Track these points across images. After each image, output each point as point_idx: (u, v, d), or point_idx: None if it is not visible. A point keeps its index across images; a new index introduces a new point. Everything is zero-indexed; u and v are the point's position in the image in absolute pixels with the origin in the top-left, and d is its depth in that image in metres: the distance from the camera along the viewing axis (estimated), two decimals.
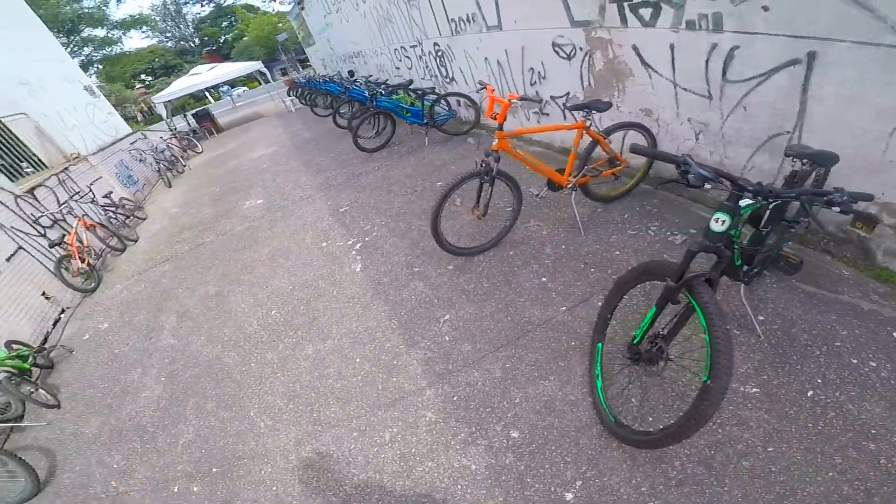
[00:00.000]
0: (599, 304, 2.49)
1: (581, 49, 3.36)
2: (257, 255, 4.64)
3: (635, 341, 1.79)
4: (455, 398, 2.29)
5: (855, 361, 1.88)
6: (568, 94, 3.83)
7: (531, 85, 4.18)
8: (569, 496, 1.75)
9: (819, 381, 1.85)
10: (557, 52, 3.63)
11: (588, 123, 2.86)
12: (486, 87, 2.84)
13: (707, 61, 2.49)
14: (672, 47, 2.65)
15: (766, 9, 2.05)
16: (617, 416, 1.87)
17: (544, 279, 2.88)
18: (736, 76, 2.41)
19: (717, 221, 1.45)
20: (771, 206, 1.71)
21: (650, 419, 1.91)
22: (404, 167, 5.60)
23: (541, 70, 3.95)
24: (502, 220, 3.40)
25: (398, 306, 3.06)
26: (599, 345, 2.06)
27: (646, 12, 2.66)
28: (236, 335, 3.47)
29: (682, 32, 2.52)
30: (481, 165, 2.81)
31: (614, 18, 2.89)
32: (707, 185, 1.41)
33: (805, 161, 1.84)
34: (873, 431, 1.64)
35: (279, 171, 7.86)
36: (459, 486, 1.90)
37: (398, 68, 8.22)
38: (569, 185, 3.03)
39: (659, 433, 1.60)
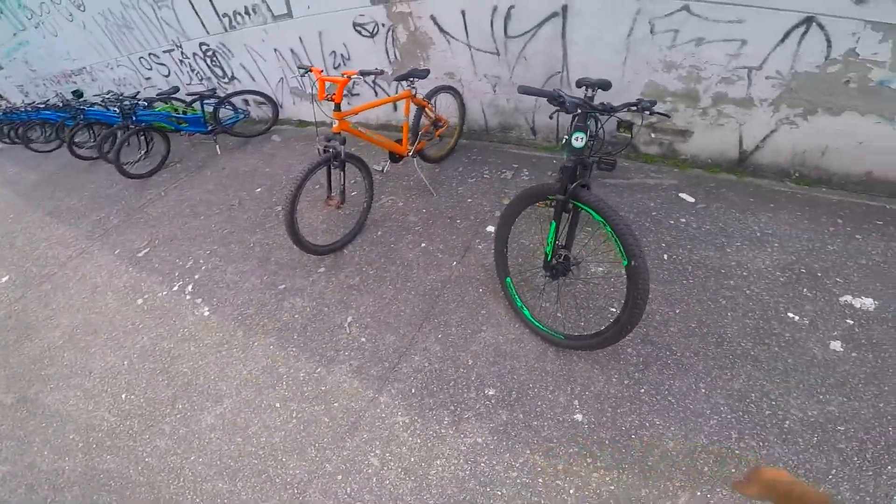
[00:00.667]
0: (482, 247, 2.81)
1: (383, 25, 3.53)
2: (48, 342, 3.36)
3: (549, 259, 1.99)
4: (413, 390, 2.16)
5: (672, 221, 2.68)
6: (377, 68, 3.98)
7: (335, 68, 4.15)
8: (578, 416, 1.88)
9: (664, 244, 2.56)
10: (360, 32, 3.71)
11: (414, 92, 3.07)
12: (311, 70, 2.71)
13: (492, 22, 3.00)
14: (463, 13, 3.07)
15: None
16: (562, 331, 2.05)
17: (424, 244, 2.94)
18: (515, 32, 2.98)
19: (577, 140, 1.75)
20: (605, 121, 2.08)
21: (593, 321, 2.16)
22: (202, 183, 4.82)
23: (344, 52, 3.97)
24: (355, 206, 3.34)
25: (285, 331, 2.69)
26: (508, 279, 2.25)
27: None
28: (94, 435, 2.52)
29: None
30: (325, 152, 2.65)
31: None
32: (578, 110, 1.75)
33: (592, 88, 2.42)
34: (723, 271, 2.37)
35: (13, 230, 5.69)
36: (483, 463, 1.83)
37: (149, 78, 6.86)
38: (410, 154, 3.22)
39: (612, 327, 1.78)
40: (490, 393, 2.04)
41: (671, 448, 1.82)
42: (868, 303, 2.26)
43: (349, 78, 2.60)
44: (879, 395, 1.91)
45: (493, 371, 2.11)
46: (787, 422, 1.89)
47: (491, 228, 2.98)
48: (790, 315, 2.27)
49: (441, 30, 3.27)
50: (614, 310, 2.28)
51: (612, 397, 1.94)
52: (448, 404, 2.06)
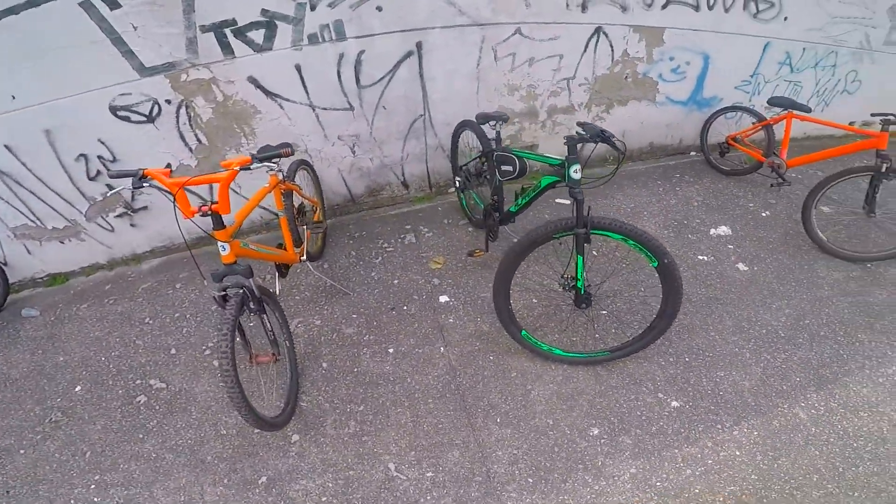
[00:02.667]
0: (453, 320, 2.41)
1: (168, 102, 2.60)
2: None
3: (581, 290, 1.93)
4: (530, 480, 1.77)
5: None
6: (169, 165, 2.89)
7: (91, 180, 2.79)
8: (674, 403, 1.93)
9: None
10: (127, 118, 2.62)
11: (281, 177, 2.27)
12: (147, 174, 1.60)
13: (339, 73, 2.68)
14: (299, 69, 2.62)
15: (380, 9, 2.48)
16: (606, 350, 2.09)
17: (390, 349, 2.31)
18: (369, 80, 2.76)
19: (575, 171, 1.77)
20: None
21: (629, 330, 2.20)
22: None
23: (105, 152, 2.71)
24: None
25: None
26: (523, 332, 2.08)
27: (257, 35, 2.45)
28: None
29: (307, 49, 2.55)
30: (226, 298, 1.67)
31: (212, 51, 2.45)
32: (598, 139, 1.70)
33: (498, 122, 2.41)
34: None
35: None
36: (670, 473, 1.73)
37: None
38: (302, 258, 2.38)
39: (658, 320, 1.92)
40: (596, 433, 1.89)
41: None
42: (724, 229, 3.00)
43: (236, 170, 1.67)
44: (787, 286, 2.54)
45: (575, 415, 1.96)
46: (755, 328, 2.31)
47: (444, 298, 2.57)
48: (699, 257, 2.76)
49: (268, 93, 2.68)
50: (636, 313, 2.36)
51: (671, 377, 2.08)
52: (572, 465, 1.80)
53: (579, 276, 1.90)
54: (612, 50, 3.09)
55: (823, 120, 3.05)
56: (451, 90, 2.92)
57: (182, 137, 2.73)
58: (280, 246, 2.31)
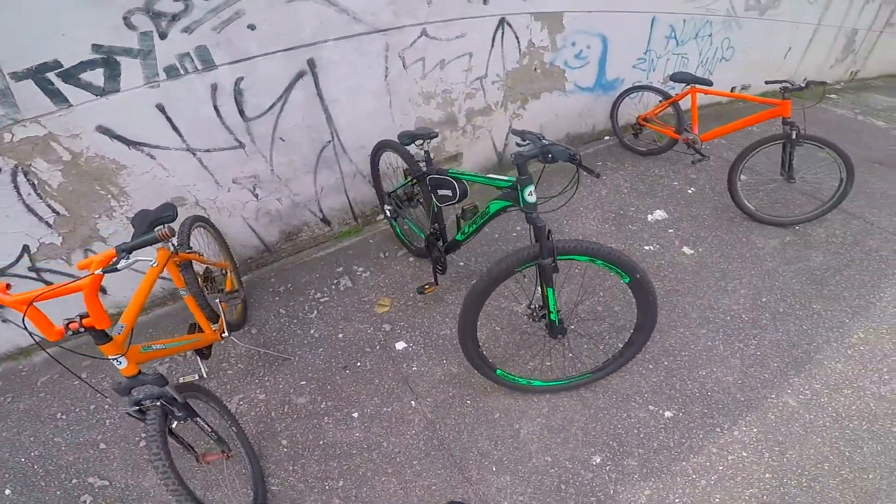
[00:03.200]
0: (416, 368, 2.13)
1: None
2: None
3: (556, 321, 1.75)
4: None
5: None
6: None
7: None
8: (667, 413, 1.80)
9: None
10: None
11: (172, 249, 1.76)
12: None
13: (216, 107, 2.19)
14: (162, 108, 2.08)
15: (252, 27, 2.03)
16: (587, 372, 1.96)
17: (355, 413, 2.00)
18: (256, 111, 2.29)
19: (530, 194, 1.57)
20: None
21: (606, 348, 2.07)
22: None
23: None
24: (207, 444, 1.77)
25: None
26: (498, 371, 1.91)
27: (94, 76, 1.87)
28: None
29: (167, 85, 2.02)
30: (144, 411, 1.34)
31: (38, 102, 1.83)
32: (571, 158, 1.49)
33: (425, 139, 2.09)
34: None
35: None
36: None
37: None
38: (224, 335, 1.91)
39: (637, 334, 1.79)
40: (598, 461, 1.77)
41: None
42: (660, 213, 3.03)
43: (99, 275, 1.19)
44: (733, 264, 2.62)
45: (572, 446, 1.82)
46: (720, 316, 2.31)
47: (401, 345, 2.25)
48: (645, 247, 2.73)
49: (130, 142, 2.10)
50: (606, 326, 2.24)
51: (656, 386, 2.00)
52: (584, 500, 1.66)
53: (551, 308, 1.68)
54: (518, 41, 2.93)
55: (723, 91, 3.18)
56: (360, 109, 2.56)
57: (32, 211, 2.07)
58: (193, 328, 1.84)
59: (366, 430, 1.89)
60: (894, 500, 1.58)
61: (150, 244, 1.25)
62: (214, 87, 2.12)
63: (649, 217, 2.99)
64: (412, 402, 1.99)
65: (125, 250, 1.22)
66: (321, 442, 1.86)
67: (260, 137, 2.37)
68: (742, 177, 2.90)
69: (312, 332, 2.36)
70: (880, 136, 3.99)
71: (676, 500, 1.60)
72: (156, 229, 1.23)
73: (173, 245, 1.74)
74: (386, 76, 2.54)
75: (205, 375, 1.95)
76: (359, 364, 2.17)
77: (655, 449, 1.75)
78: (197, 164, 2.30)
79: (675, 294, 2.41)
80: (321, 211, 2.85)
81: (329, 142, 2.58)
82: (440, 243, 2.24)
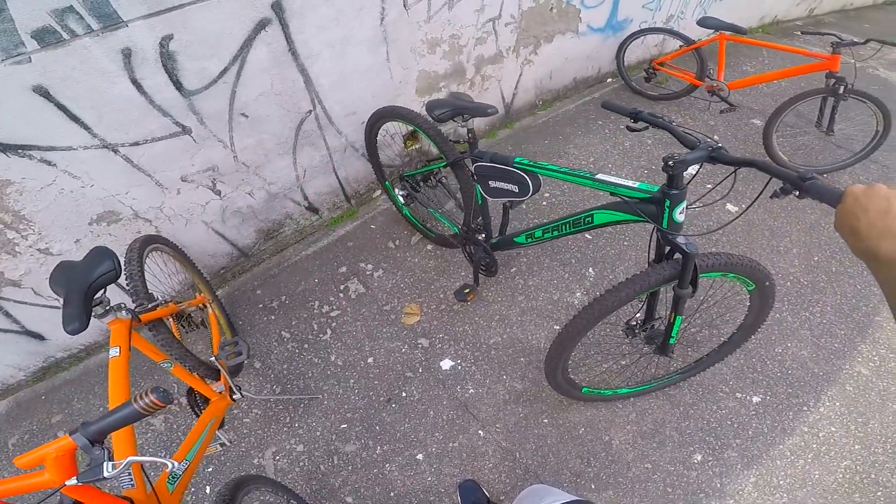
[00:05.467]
0: (475, 398, 1.77)
1: None
2: None
3: (672, 342, 1.41)
4: None
5: None
6: None
7: None
8: (755, 399, 1.78)
9: None
10: None
11: (129, 314, 1.15)
12: None
13: (136, 80, 1.45)
14: (45, 91, 1.33)
15: None
16: (676, 372, 1.73)
17: (419, 456, 1.65)
18: (201, 80, 1.58)
19: (682, 212, 1.16)
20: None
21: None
22: None
23: None
24: None
25: None
26: (584, 389, 1.64)
27: None
28: None
29: (42, 57, 1.27)
30: None
31: None
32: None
33: (463, 118, 1.49)
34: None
35: None
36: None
37: None
38: (237, 394, 1.45)
39: (736, 336, 1.55)
40: (699, 458, 1.65)
41: None
42: (693, 168, 2.69)
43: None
44: (778, 220, 2.44)
45: (670, 448, 1.66)
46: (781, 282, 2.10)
47: (447, 363, 1.87)
48: (689, 209, 2.44)
49: (7, 147, 1.35)
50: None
51: (738, 372, 1.85)
52: (694, 499, 1.56)
53: (673, 334, 1.34)
54: None
55: (760, 41, 2.82)
56: (348, 65, 1.90)
57: None
58: (192, 396, 1.35)
59: (437, 473, 1.59)
60: None
61: (130, 422, 0.67)
62: (128, 54, 1.38)
63: (684, 173, 2.69)
64: (480, 432, 1.67)
65: (91, 440, 0.65)
66: (392, 494, 1.55)
67: (211, 116, 1.68)
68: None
69: (334, 358, 1.89)
70: (871, 80, 3.89)
71: (781, 483, 1.57)
72: (135, 404, 0.66)
73: (128, 310, 1.14)
74: (382, 20, 1.87)
75: (228, 444, 1.45)
76: (404, 394, 1.78)
77: (751, 437, 1.68)
78: (123, 163, 1.59)
79: None
80: (306, 198, 2.23)
81: (309, 112, 1.93)
82: (484, 238, 1.77)
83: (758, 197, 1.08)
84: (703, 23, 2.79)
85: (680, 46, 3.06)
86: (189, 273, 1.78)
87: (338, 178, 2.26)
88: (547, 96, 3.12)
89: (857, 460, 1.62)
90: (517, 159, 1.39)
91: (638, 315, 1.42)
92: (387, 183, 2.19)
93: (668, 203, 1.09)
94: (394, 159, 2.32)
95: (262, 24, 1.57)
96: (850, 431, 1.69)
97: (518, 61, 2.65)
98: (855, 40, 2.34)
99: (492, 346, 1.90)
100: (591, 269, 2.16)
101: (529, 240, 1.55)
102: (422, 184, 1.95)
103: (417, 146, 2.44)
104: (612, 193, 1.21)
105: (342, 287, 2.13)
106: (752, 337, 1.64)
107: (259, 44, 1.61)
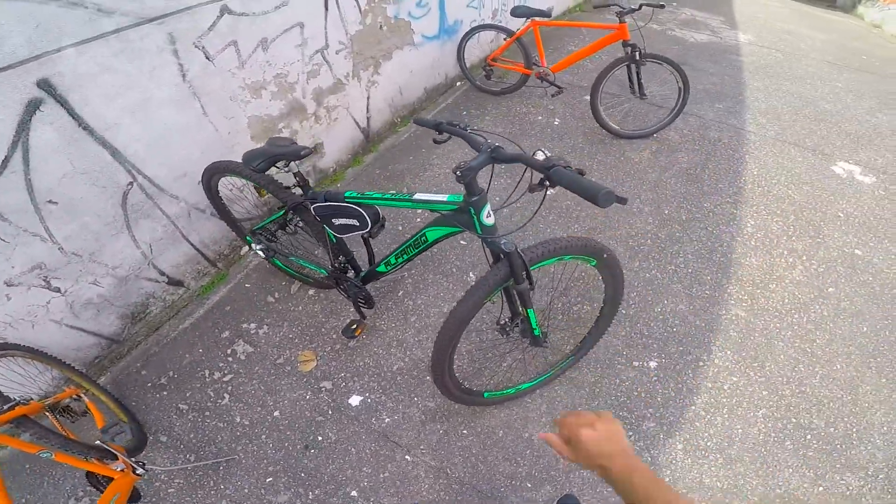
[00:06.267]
0: (392, 426, 1.76)
1: None
2: None
3: (538, 334, 1.49)
4: None
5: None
6: None
7: None
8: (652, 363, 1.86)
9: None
10: None
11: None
12: None
13: None
14: None
15: None
16: (568, 356, 1.78)
17: (353, 493, 1.60)
18: None
19: (489, 216, 1.20)
20: None
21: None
22: None
23: None
24: None
25: None
26: (486, 393, 1.69)
27: None
28: None
29: None
30: None
31: None
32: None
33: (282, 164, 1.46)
34: None
35: None
36: None
37: None
38: (138, 472, 1.36)
39: (605, 309, 1.60)
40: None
41: None
42: (540, 154, 2.90)
43: None
44: (625, 184, 2.81)
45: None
46: (639, 241, 2.22)
47: (355, 399, 1.83)
48: (548, 192, 2.61)
49: None
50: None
51: (628, 340, 1.96)
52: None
53: (534, 325, 1.42)
54: None
55: (565, 21, 3.13)
56: (158, 127, 1.76)
57: None
58: (94, 479, 1.34)
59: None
60: (871, 385, 1.80)
61: None
62: None
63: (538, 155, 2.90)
64: (406, 457, 1.66)
65: None
66: None
67: (13, 211, 1.46)
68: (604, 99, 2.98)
69: (239, 419, 1.77)
70: (662, 38, 4.54)
71: (708, 444, 1.63)
72: None
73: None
74: (184, 76, 1.75)
75: None
76: (320, 438, 1.71)
77: (662, 403, 1.74)
78: None
79: (595, 233, 2.41)
80: (163, 273, 2.02)
81: (130, 183, 1.75)
82: (352, 275, 1.75)
83: (543, 200, 1.15)
84: (515, 12, 3.00)
85: (504, 39, 3.29)
86: (56, 369, 1.58)
87: (192, 244, 2.09)
88: (403, 112, 3.18)
89: (772, 406, 1.69)
90: (347, 193, 1.39)
91: (503, 314, 1.48)
92: (248, 238, 2.07)
93: (472, 210, 1.13)
94: (251, 211, 2.20)
95: (33, 105, 1.39)
96: (751, 378, 1.76)
97: (362, 85, 2.67)
98: (633, 7, 2.60)
99: (396, 372, 1.88)
100: (471, 274, 2.23)
101: (388, 267, 1.56)
102: (279, 233, 1.87)
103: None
104: (431, 211, 1.24)
105: (229, 351, 1.98)
106: (624, 305, 1.78)
107: (38, 125, 1.42)
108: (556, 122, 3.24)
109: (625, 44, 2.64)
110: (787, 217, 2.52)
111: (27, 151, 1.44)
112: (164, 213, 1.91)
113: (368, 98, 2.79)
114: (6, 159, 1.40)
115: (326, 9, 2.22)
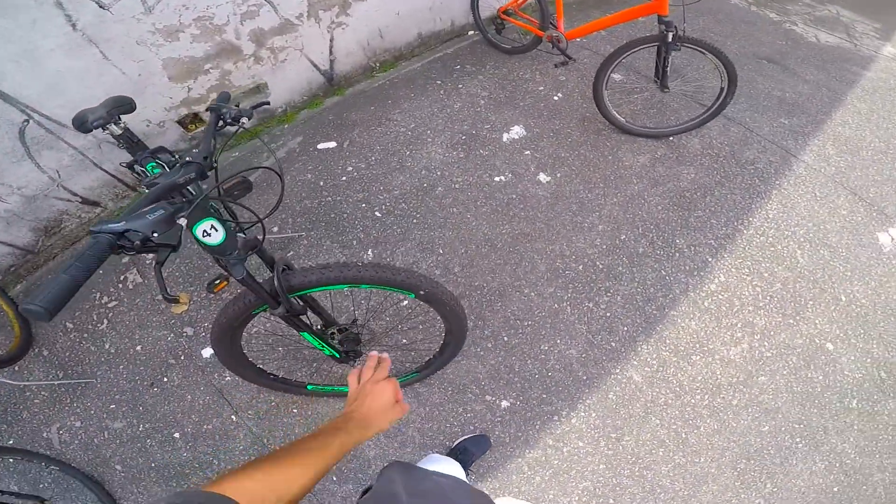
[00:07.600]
0: (230, 385, 1.78)
1: None
2: None
3: (338, 355, 1.39)
4: None
5: (341, 174, 2.08)
6: None
7: None
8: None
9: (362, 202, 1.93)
10: None
11: None
12: None
13: None
14: None
15: None
16: (413, 371, 1.68)
17: (176, 435, 1.70)
18: None
19: (209, 233, 0.93)
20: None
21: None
22: None
23: None
24: None
25: None
26: (309, 386, 1.68)
27: None
28: None
29: None
30: None
31: None
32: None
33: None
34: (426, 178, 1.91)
35: None
36: None
37: None
38: None
39: (448, 338, 1.47)
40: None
41: None
42: (518, 130, 2.55)
43: None
44: (595, 191, 2.38)
45: (409, 451, 1.65)
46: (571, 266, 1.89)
47: (208, 352, 1.88)
48: (496, 178, 2.31)
49: None
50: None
51: (493, 371, 1.81)
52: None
53: (320, 347, 1.29)
54: None
55: None
56: (51, 74, 1.73)
57: None
58: None
59: (192, 450, 1.67)
60: (720, 485, 1.56)
61: None
62: None
63: (504, 137, 2.53)
64: (233, 417, 1.72)
65: None
66: (153, 464, 1.66)
67: None
68: (616, 76, 2.45)
69: (107, 346, 1.91)
70: (771, 29, 3.53)
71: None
72: None
73: None
74: (74, 26, 1.66)
75: None
76: (165, 379, 1.82)
77: (491, 446, 1.62)
78: None
79: (525, 240, 2.11)
80: (75, 194, 2.12)
81: (26, 120, 1.78)
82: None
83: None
84: None
85: None
86: None
87: (106, 171, 2.14)
88: (385, 56, 2.87)
89: (599, 482, 1.54)
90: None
91: (317, 321, 1.36)
92: None
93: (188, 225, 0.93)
94: (177, 143, 2.17)
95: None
96: (598, 448, 1.60)
97: (322, 26, 2.41)
98: None
99: (253, 335, 1.88)
100: (370, 252, 2.08)
101: None
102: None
103: (203, 127, 2.27)
104: None
105: (122, 278, 2.08)
106: (511, 333, 1.57)
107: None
108: (556, 98, 2.76)
109: (660, 20, 2.06)
110: (771, 284, 2.01)
111: None
112: (69, 145, 1.94)
113: (332, 40, 2.52)
114: None
115: None
